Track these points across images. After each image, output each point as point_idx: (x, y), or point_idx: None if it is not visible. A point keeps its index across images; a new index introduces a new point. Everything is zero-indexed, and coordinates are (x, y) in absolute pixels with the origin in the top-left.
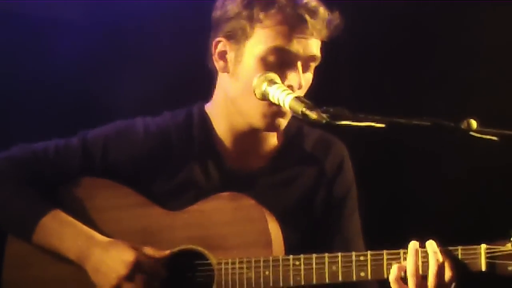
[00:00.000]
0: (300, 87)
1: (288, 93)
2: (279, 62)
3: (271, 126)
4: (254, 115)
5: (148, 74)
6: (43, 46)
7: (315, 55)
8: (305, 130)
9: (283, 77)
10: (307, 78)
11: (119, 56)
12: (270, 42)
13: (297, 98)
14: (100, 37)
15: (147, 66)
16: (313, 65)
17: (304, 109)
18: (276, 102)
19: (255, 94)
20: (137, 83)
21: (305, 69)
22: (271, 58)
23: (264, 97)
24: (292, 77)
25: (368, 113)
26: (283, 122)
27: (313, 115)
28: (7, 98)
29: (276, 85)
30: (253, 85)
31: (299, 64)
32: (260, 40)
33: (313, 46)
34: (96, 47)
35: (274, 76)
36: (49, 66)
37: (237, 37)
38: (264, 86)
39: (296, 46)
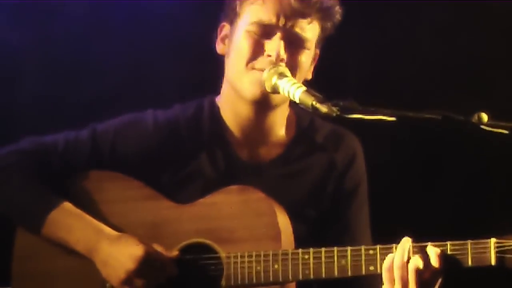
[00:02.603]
0: (281, 59)
1: (298, 86)
2: (261, 33)
3: (262, 98)
4: (242, 85)
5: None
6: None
7: (301, 34)
8: (317, 123)
9: (263, 48)
10: (300, 59)
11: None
12: (254, 17)
13: (307, 91)
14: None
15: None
16: (303, 47)
17: (314, 102)
18: (286, 95)
19: (265, 87)
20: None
21: (291, 47)
22: (253, 29)
23: (274, 90)
24: (270, 45)
25: (379, 106)
26: (276, 98)
27: (323, 108)
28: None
29: (286, 78)
30: (263, 77)
31: (278, 34)
32: (246, 16)
33: (302, 26)
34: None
35: (284, 69)
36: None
37: (231, 18)
38: (274, 79)
39: (279, 20)
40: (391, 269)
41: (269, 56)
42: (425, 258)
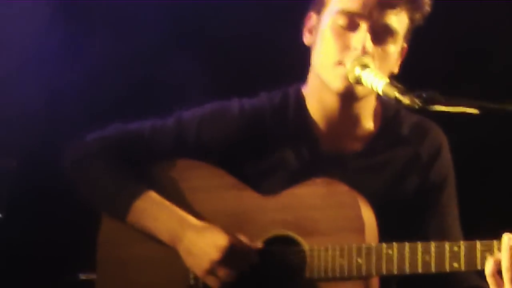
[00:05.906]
0: (365, 51)
1: (381, 77)
2: (347, 25)
3: (348, 90)
4: (329, 79)
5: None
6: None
7: (388, 25)
8: (402, 114)
9: (349, 41)
10: (387, 52)
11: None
12: (339, 6)
13: (390, 83)
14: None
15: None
16: (390, 39)
17: (397, 94)
18: (369, 87)
19: (348, 78)
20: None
21: (377, 39)
22: (339, 21)
23: (357, 81)
24: (356, 38)
25: (463, 96)
26: (361, 90)
27: (406, 100)
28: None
29: (368, 69)
30: (346, 68)
31: (363, 25)
32: (332, 6)
33: (390, 16)
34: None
35: (367, 60)
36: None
37: (318, 8)
38: (358, 71)
39: (364, 9)
40: (495, 274)
41: (356, 49)
42: None
